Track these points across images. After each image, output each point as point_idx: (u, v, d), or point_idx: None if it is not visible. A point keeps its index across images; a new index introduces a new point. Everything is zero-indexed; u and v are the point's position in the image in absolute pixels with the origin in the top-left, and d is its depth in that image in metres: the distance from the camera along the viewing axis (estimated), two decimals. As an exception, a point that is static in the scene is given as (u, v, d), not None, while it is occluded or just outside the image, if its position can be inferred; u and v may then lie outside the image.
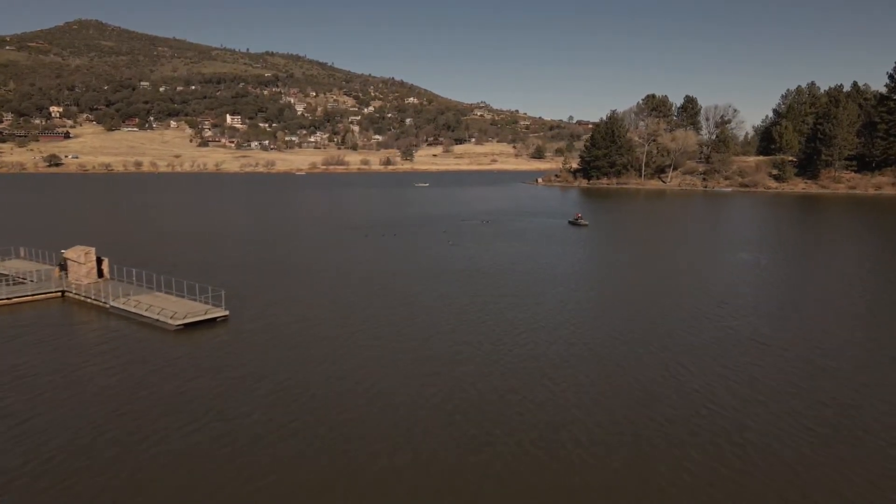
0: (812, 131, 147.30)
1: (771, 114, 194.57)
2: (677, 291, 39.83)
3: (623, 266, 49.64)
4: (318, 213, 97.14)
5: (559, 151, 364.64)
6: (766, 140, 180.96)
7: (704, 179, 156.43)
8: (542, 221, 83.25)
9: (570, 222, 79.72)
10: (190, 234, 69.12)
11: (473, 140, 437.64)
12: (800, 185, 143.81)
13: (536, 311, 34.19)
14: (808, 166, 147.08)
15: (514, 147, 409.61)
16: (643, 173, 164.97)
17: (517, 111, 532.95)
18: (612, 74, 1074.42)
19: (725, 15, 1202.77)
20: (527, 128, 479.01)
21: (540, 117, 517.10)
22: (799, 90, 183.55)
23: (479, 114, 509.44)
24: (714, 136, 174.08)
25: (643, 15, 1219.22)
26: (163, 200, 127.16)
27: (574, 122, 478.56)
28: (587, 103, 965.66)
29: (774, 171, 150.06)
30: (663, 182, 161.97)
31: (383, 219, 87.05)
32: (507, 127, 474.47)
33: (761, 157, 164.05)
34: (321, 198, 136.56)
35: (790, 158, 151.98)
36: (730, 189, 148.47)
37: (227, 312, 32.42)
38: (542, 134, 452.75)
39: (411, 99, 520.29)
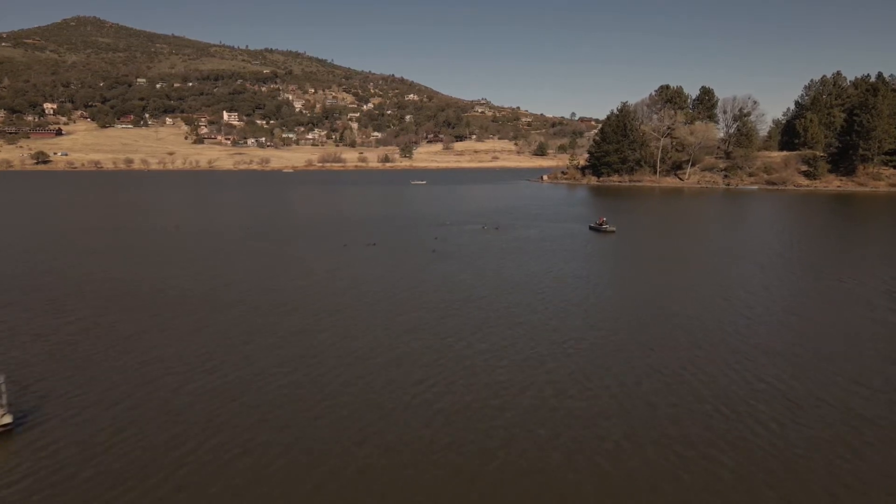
0: (847, 123, 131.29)
1: (792, 106, 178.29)
2: (776, 345, 24.38)
3: (677, 298, 34.07)
4: (295, 217, 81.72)
5: (562, 148, 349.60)
6: (789, 134, 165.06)
7: (726, 176, 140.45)
8: (556, 226, 67.77)
9: (591, 228, 64.17)
10: (79, 246, 53.61)
11: (474, 137, 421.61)
12: (834, 183, 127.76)
13: (557, 406, 18.80)
14: (841, 162, 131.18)
15: (516, 144, 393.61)
16: (658, 170, 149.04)
17: (518, 108, 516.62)
18: (615, 70, 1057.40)
19: (733, 6, 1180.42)
20: (528, 125, 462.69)
21: (542, 114, 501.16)
22: (824, 80, 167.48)
23: (479, 111, 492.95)
24: (733, 130, 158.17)
25: (647, 8, 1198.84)
26: (101, 199, 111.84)
27: (577, 118, 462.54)
28: (590, 100, 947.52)
29: (804, 167, 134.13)
30: (680, 179, 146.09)
31: (372, 221, 71.62)
32: (508, 124, 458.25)
33: (786, 153, 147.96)
34: (306, 197, 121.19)
35: (819, 153, 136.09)
36: (756, 187, 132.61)
37: (8, 420, 17.10)
38: (543, 131, 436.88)
39: (411, 96, 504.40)
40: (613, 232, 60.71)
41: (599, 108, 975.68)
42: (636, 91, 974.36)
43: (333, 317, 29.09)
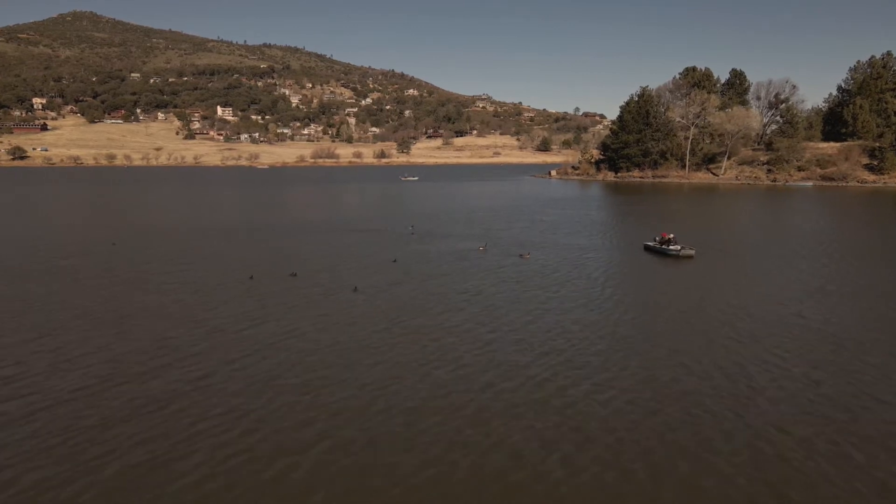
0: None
1: (834, 91, 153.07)
2: None
3: None
4: (222, 227, 57.26)
5: (566, 143, 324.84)
6: (832, 122, 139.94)
7: (770, 171, 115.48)
8: (579, 244, 43.20)
9: (649, 248, 39.11)
10: None
11: (475, 132, 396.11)
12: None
13: None
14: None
15: (518, 139, 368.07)
16: (687, 164, 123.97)
17: (520, 103, 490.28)
18: (621, 63, 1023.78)
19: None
20: (531, 120, 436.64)
21: (544, 109, 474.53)
22: (872, 62, 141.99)
23: (480, 106, 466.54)
24: (769, 118, 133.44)
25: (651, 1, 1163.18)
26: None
27: (580, 113, 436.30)
28: (594, 94, 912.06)
29: (865, 160, 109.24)
30: (714, 174, 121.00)
31: (323, 232, 47.25)
32: (510, 119, 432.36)
33: (842, 143, 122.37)
34: (260, 199, 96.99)
35: (883, 144, 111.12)
36: (810, 183, 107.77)
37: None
38: (546, 126, 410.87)
39: (411, 91, 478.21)
40: (691, 257, 36.07)
41: (604, 102, 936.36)
42: (645, 85, 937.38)
43: None
